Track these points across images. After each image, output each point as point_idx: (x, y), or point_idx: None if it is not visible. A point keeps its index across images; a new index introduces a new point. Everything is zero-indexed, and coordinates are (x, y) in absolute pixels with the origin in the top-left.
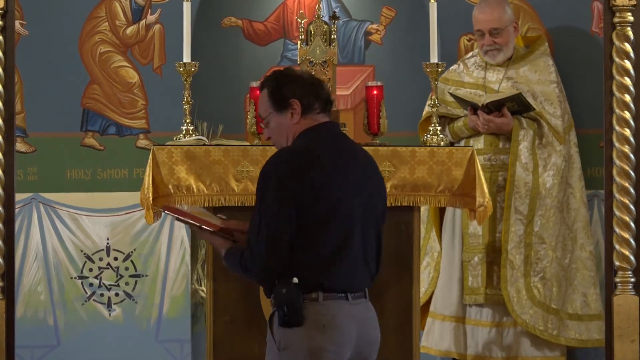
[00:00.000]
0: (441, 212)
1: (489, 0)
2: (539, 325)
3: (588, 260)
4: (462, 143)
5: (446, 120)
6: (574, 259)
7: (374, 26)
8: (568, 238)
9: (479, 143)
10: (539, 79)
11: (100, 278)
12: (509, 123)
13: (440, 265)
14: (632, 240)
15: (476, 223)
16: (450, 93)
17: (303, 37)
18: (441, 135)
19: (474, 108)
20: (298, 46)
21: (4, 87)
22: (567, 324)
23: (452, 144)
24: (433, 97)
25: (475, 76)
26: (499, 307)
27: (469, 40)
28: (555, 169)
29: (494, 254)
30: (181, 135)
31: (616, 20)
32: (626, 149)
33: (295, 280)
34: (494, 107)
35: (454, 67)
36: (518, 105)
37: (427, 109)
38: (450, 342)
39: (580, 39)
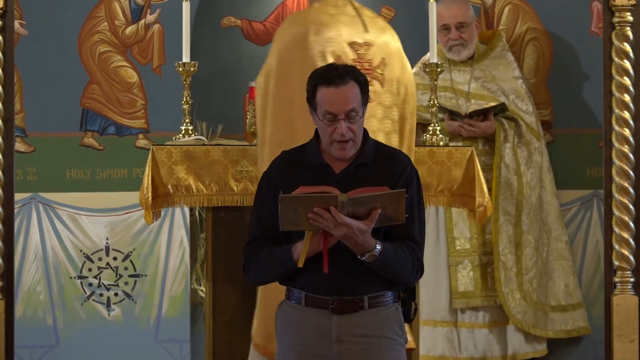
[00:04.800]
0: None
1: None
2: (530, 322)
3: (565, 250)
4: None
5: (418, 125)
6: (551, 251)
7: None
8: (543, 231)
9: None
10: (505, 76)
11: (100, 278)
12: (492, 126)
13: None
14: (631, 240)
15: (462, 226)
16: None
17: None
18: (441, 136)
19: (451, 113)
20: None
21: (3, 87)
22: (552, 317)
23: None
24: (433, 97)
25: (441, 78)
26: (491, 308)
27: None
28: (536, 167)
29: (485, 256)
30: (180, 135)
31: (615, 20)
32: (626, 148)
33: None
34: (475, 113)
35: (415, 70)
36: (494, 108)
37: None
38: (444, 347)
39: (580, 39)
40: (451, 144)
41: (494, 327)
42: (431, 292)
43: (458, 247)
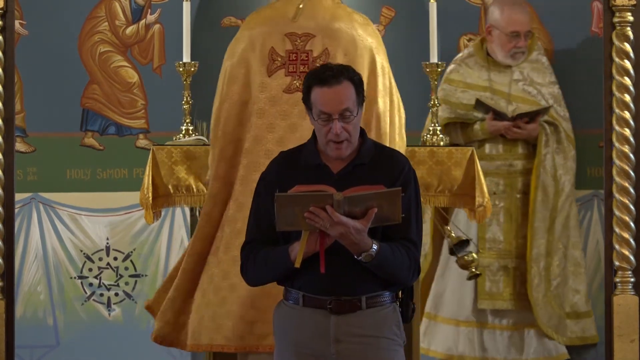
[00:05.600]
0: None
1: (517, 2)
2: (554, 327)
3: (581, 258)
4: (476, 146)
5: (459, 123)
6: (569, 257)
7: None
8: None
9: (497, 149)
10: (543, 81)
11: (100, 278)
12: (537, 129)
13: (445, 270)
14: (632, 240)
15: (494, 229)
16: (478, 99)
17: None
18: (441, 135)
19: (496, 114)
20: None
21: (4, 87)
22: (567, 323)
23: (456, 145)
24: (433, 97)
25: (479, 77)
26: (515, 311)
27: (468, 40)
28: (570, 174)
29: (516, 259)
30: (181, 135)
31: (616, 20)
32: (626, 148)
33: None
34: (521, 116)
35: (453, 67)
36: (541, 111)
37: (440, 114)
38: (465, 347)
39: (580, 39)
40: (488, 144)
41: (517, 330)
42: (456, 291)
43: (489, 248)
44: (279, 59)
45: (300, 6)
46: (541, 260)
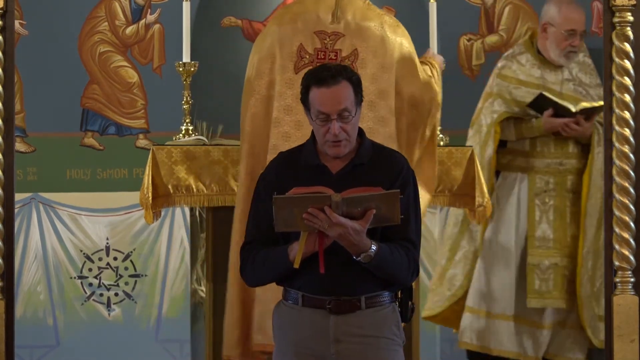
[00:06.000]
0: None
1: (573, 0)
2: (592, 328)
3: None
4: (527, 143)
5: (512, 119)
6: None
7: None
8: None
9: (549, 147)
10: (591, 82)
11: (100, 278)
12: (591, 127)
13: (488, 265)
14: (631, 240)
15: (544, 227)
16: (543, 94)
17: None
18: (440, 135)
19: (557, 109)
20: None
21: (4, 87)
22: (599, 326)
23: (504, 142)
24: None
25: (531, 74)
26: (557, 310)
27: (468, 40)
28: None
29: (567, 258)
30: (181, 135)
31: (616, 20)
32: (626, 148)
33: None
34: (583, 112)
35: (504, 62)
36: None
37: (498, 108)
38: (506, 342)
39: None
40: (539, 142)
41: (553, 329)
42: (501, 287)
43: (539, 246)
44: (307, 57)
45: (331, 4)
46: (590, 260)
